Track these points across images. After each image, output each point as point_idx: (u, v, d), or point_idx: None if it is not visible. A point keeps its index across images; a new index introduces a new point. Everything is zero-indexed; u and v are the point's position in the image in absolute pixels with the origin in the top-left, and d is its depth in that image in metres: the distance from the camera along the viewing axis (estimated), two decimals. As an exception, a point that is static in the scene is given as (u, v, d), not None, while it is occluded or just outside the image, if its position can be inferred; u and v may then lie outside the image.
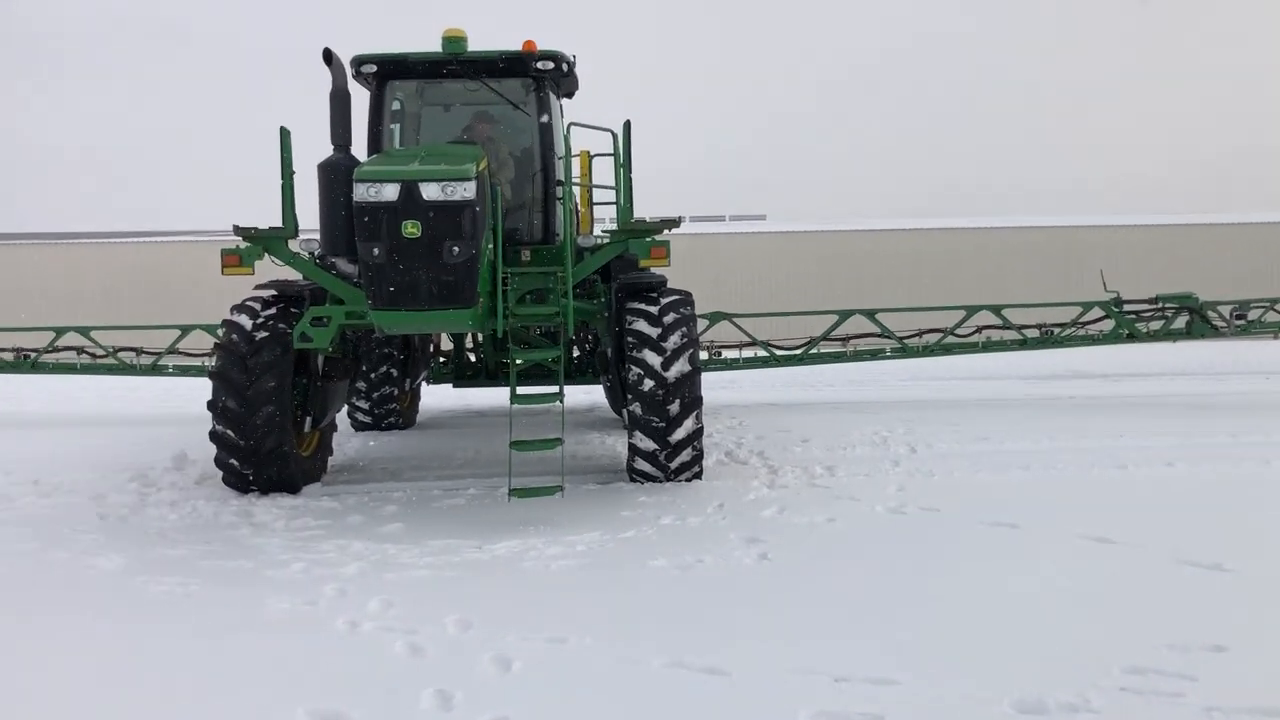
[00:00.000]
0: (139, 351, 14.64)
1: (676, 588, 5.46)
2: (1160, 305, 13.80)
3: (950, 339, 14.18)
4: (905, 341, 14.14)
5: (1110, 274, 15.22)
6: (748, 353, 14.56)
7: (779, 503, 7.41)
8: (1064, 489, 7.84)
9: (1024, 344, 14.29)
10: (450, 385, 12.33)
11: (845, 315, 14.08)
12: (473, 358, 12.21)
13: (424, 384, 12.85)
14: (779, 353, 14.25)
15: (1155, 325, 13.93)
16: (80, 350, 14.68)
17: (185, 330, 14.52)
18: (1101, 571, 5.63)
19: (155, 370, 14.61)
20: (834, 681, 4.09)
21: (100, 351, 14.60)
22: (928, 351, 14.24)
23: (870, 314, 14.06)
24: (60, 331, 14.54)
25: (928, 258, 27.31)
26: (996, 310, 14.12)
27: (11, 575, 5.93)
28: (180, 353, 14.70)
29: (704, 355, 13.96)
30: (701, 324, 13.81)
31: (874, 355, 14.43)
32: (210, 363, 13.63)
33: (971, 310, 14.16)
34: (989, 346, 14.38)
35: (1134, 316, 13.82)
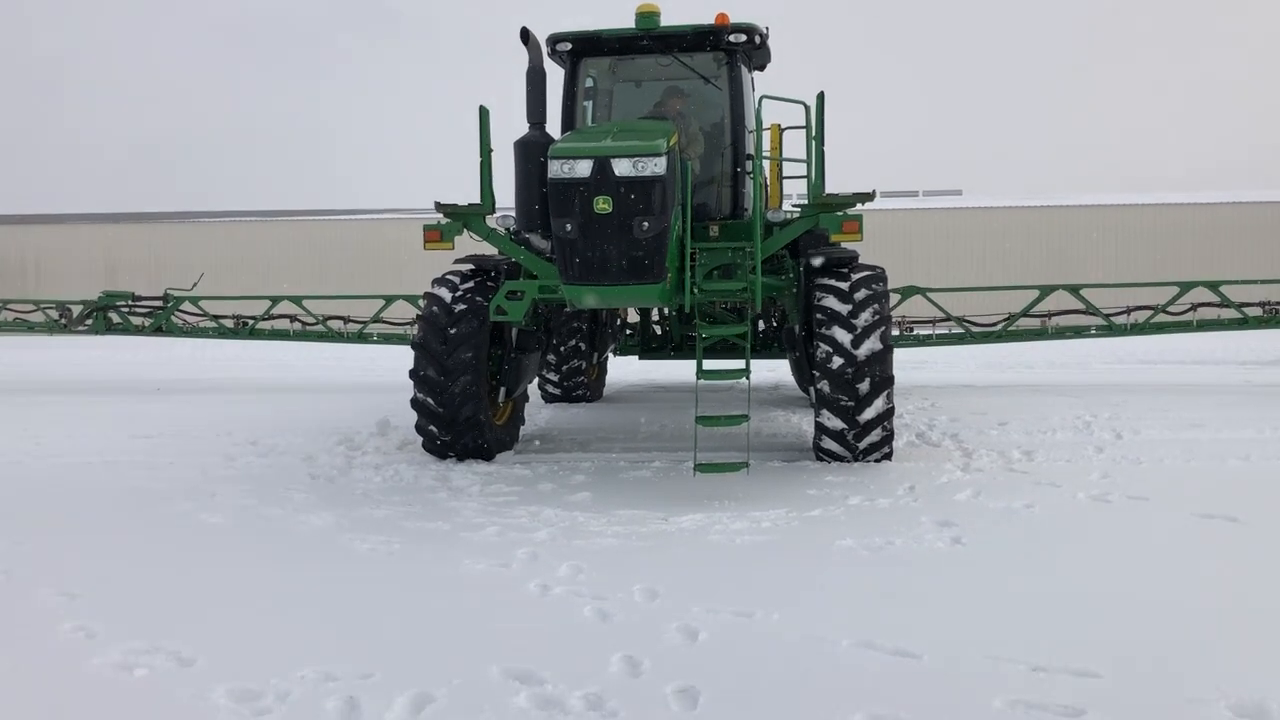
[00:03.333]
0: (346, 320, 15.53)
1: (865, 568, 5.36)
2: None
3: (1162, 317, 13.31)
4: (1112, 319, 13.37)
5: None
6: (941, 329, 14.11)
7: (973, 486, 7.16)
8: (1290, 482, 7.26)
9: (1244, 323, 13.28)
10: (636, 357, 12.46)
11: (1047, 291, 13.39)
12: (659, 330, 12.31)
13: (611, 356, 13.04)
14: (974, 329, 13.73)
15: None
16: (293, 319, 15.67)
17: (389, 300, 15.28)
18: (1334, 572, 5.18)
19: (361, 338, 15.47)
20: (1030, 670, 3.91)
21: (311, 320, 15.54)
22: (1136, 330, 13.41)
23: (1074, 289, 13.35)
24: (275, 300, 15.55)
25: (1137, 234, 25.77)
26: (1213, 286, 13.15)
27: (233, 528, 6.37)
28: (384, 321, 15.49)
29: (895, 331, 13.62)
30: (893, 298, 13.51)
31: (1077, 333, 13.70)
32: (412, 330, 14.32)
33: (1185, 286, 13.25)
34: (1204, 325, 13.44)
35: None
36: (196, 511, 6.73)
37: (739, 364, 7.94)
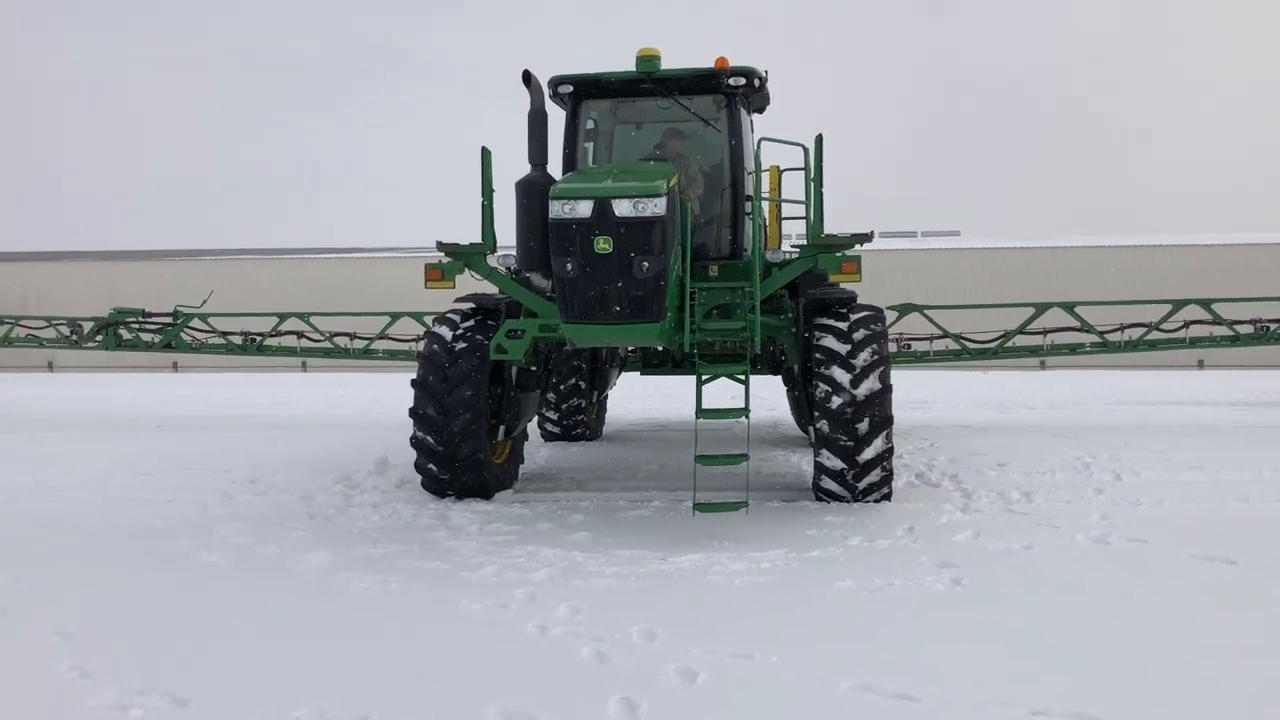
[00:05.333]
0: (352, 336, 15.61)
1: (865, 609, 5.34)
2: None
3: (1155, 334, 13.40)
4: (1106, 336, 13.44)
5: None
6: (938, 346, 14.16)
7: (973, 527, 7.15)
8: (1289, 524, 7.25)
9: (1236, 340, 13.39)
10: (638, 373, 12.40)
11: (1043, 308, 13.47)
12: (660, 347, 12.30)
13: (612, 386, 13.04)
14: (971, 346, 13.78)
15: None
16: (300, 335, 15.75)
17: (395, 317, 15.36)
18: (1334, 615, 5.17)
19: (367, 354, 15.57)
20: (1031, 714, 3.89)
21: (318, 337, 15.62)
22: (1130, 347, 13.52)
23: (1069, 307, 13.42)
24: (283, 317, 15.64)
25: (1138, 274, 25.85)
26: (1206, 305, 13.24)
27: (230, 566, 6.35)
28: (390, 338, 15.58)
29: (893, 347, 13.67)
30: (890, 315, 13.58)
31: (1072, 350, 13.78)
32: (417, 347, 14.41)
33: (1178, 305, 13.34)
34: (1197, 342, 13.57)
35: None
36: (194, 550, 6.72)
37: (738, 405, 7.97)
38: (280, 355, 16.03)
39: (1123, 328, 13.57)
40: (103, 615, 5.32)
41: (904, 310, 13.33)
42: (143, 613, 5.38)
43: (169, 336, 15.68)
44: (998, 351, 13.75)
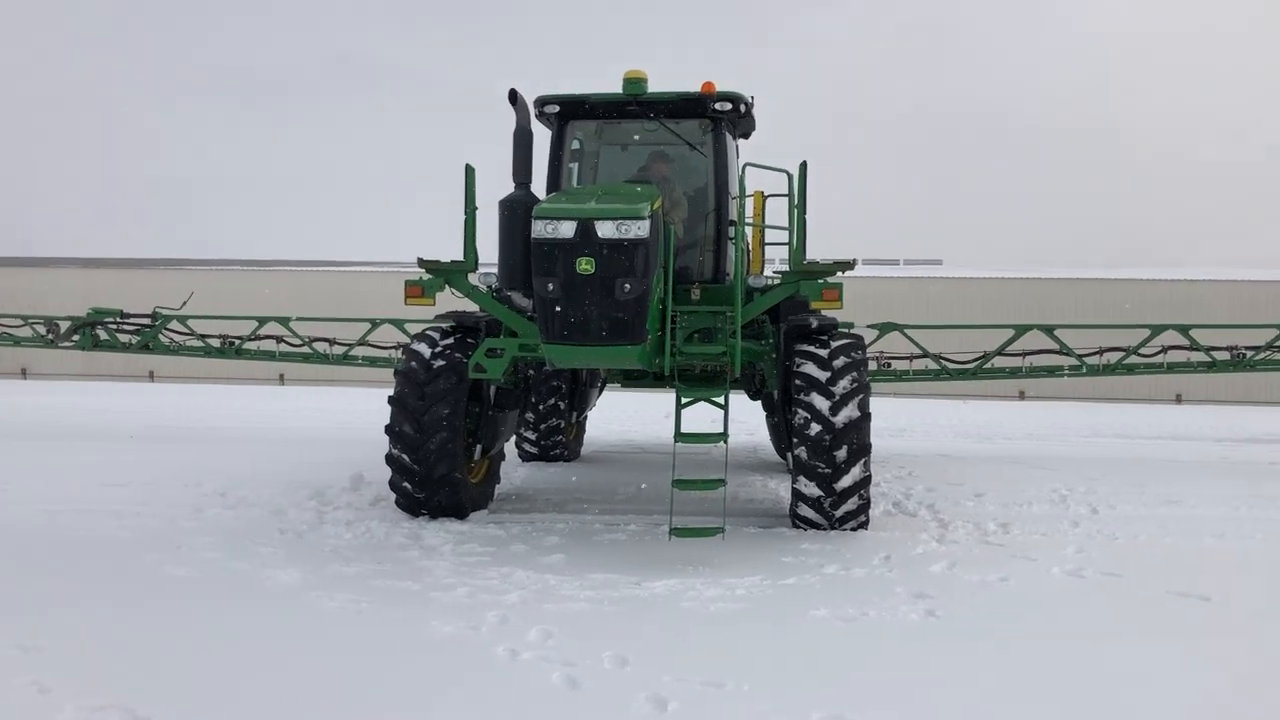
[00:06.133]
0: (332, 342, 15.48)
1: (839, 639, 5.31)
2: None
3: (1133, 358, 13.52)
4: (1085, 359, 13.55)
5: None
6: (918, 365, 14.21)
7: (949, 558, 7.13)
8: (1262, 562, 7.27)
9: (1212, 366, 13.54)
10: (619, 384, 12.34)
11: (1022, 330, 13.56)
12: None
13: (596, 393, 12.98)
14: (951, 366, 13.83)
15: None
16: (279, 339, 15.61)
17: (375, 324, 15.24)
18: (1307, 655, 5.17)
19: (346, 360, 15.42)
20: (1004, 751, 3.87)
21: (297, 341, 15.49)
22: (1109, 370, 13.64)
23: (1048, 329, 13.51)
24: (262, 321, 15.49)
25: (1120, 309, 26.00)
26: (1184, 331, 13.37)
27: (198, 581, 6.26)
28: (370, 345, 15.45)
29: (873, 366, 13.70)
30: (871, 334, 13.63)
31: (1051, 372, 13.88)
32: (397, 354, 14.32)
33: (1156, 330, 13.46)
34: (1174, 368, 13.70)
35: None
36: (162, 564, 6.62)
37: (717, 430, 7.94)
38: (259, 359, 15.86)
39: (1101, 351, 13.67)
40: (65, 630, 5.22)
41: (884, 329, 13.40)
42: (106, 628, 5.29)
43: (147, 338, 15.52)
44: (976, 372, 13.81)
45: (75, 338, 15.76)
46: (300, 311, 16.05)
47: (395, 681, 4.54)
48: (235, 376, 26.45)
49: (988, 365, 13.77)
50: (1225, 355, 13.56)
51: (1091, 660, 5.01)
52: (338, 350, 15.54)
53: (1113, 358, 13.67)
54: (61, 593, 5.95)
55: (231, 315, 16.58)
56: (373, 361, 15.40)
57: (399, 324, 14.57)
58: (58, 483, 9.83)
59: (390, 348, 15.32)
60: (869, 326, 13.23)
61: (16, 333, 16.73)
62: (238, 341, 15.56)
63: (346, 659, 4.84)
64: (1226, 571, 6.89)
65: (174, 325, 15.60)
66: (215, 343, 15.64)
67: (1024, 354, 13.76)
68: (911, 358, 14.17)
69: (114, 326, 15.74)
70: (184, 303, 16.03)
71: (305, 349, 15.51)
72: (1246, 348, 13.60)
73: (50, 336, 15.99)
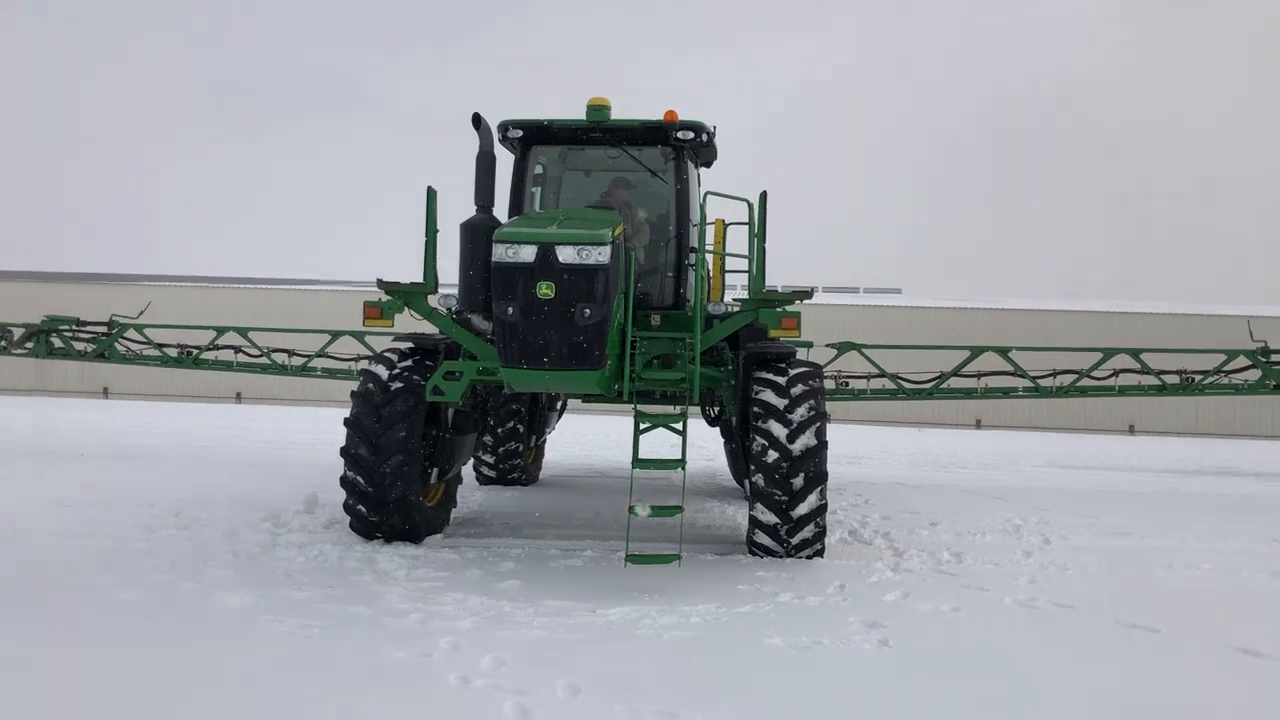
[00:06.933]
0: (290, 353, 15.33)
1: (792, 668, 5.31)
2: None
3: (1085, 381, 13.77)
4: (1039, 381, 13.78)
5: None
6: (875, 385, 14.38)
7: (903, 587, 7.18)
8: (1209, 593, 7.38)
9: (1162, 389, 13.84)
10: (581, 399, 12.33)
11: (977, 351, 13.78)
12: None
13: (555, 417, 12.95)
14: (907, 386, 14.00)
15: None
16: (238, 350, 15.44)
17: (335, 335, 15.12)
18: (1252, 688, 5.25)
19: (305, 371, 15.29)
20: (953, 783, 3.89)
21: (256, 352, 15.33)
22: (1061, 392, 13.92)
23: (1003, 351, 13.73)
24: (221, 331, 15.36)
25: (1077, 339, 26.38)
26: (1135, 354, 13.64)
27: (146, 604, 6.15)
28: (329, 356, 15.32)
29: (830, 385, 13.82)
30: (829, 354, 13.74)
31: (1005, 393, 14.11)
32: (357, 367, 14.21)
33: (1109, 353, 13.76)
34: (1126, 391, 14.01)
35: None
36: (110, 586, 6.50)
37: (675, 458, 7.96)
38: (217, 369, 15.71)
39: (1055, 374, 13.91)
40: (8, 653, 5.11)
41: (842, 349, 13.54)
42: (50, 652, 5.18)
43: (103, 346, 15.31)
44: (933, 392, 14.00)
45: (29, 345, 15.52)
46: (260, 325, 15.89)
47: (344, 710, 4.49)
48: (191, 394, 26.15)
49: (943, 386, 13.95)
50: (1175, 379, 13.84)
51: (1043, 689, 5.05)
52: (296, 361, 15.43)
53: (1066, 380, 13.94)
54: (4, 616, 5.82)
55: (189, 325, 16.43)
56: (331, 374, 15.31)
57: (359, 336, 14.51)
58: (4, 500, 9.65)
59: (350, 359, 15.24)
60: (827, 345, 13.36)
61: None
62: (196, 351, 15.42)
63: (294, 686, 4.78)
64: (1175, 603, 6.99)
65: (131, 335, 15.41)
66: (173, 352, 15.49)
67: (979, 374, 13.98)
68: (869, 377, 14.34)
69: (69, 334, 15.53)
70: (141, 312, 15.88)
71: (264, 359, 15.38)
72: (1195, 372, 13.89)
73: (2, 343, 15.74)
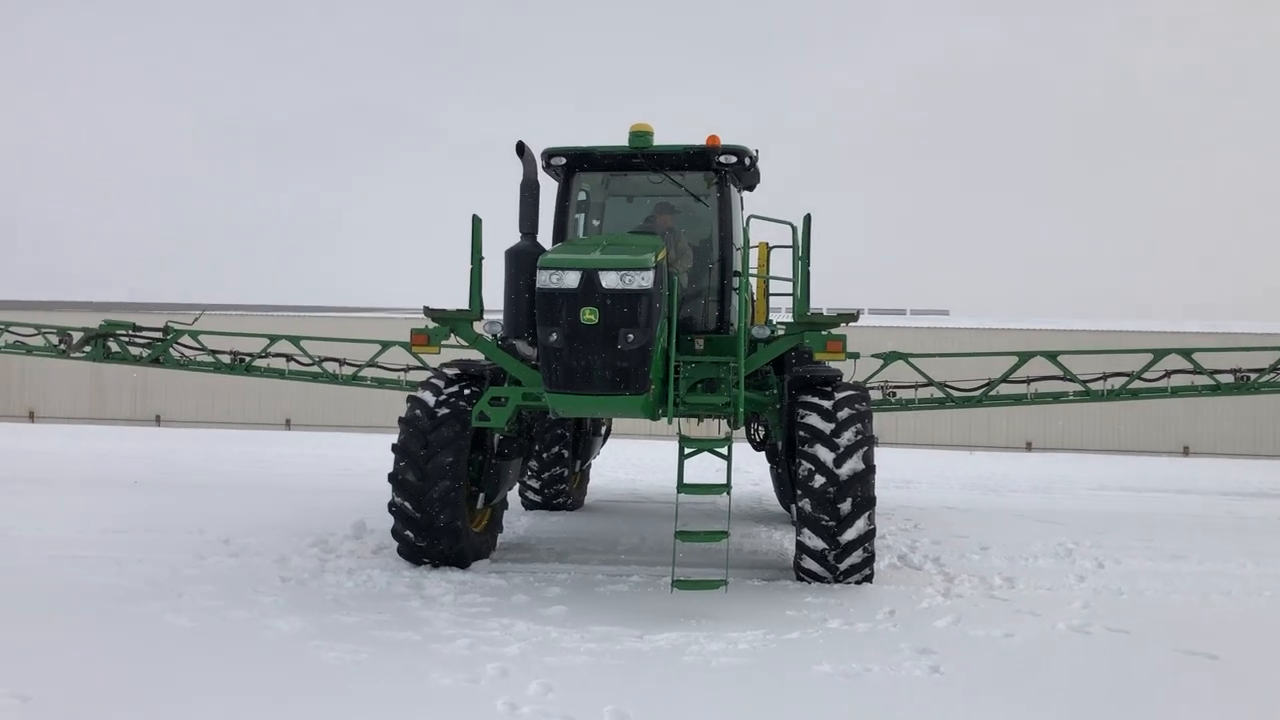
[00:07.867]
0: (342, 363, 15.51)
1: (841, 696, 5.25)
2: None
3: (1137, 383, 13.53)
4: (1089, 385, 13.56)
5: None
6: (923, 394, 14.24)
7: (954, 613, 7.07)
8: (1271, 619, 7.20)
9: (1216, 389, 13.53)
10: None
11: (1025, 357, 13.59)
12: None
13: (600, 442, 12.98)
14: (955, 394, 13.85)
15: None
16: (289, 358, 15.64)
17: (385, 345, 15.26)
18: (1317, 716, 5.10)
19: (355, 380, 15.46)
20: (1008, 814, 3.81)
21: (307, 360, 15.51)
22: (1112, 395, 13.68)
23: (1052, 356, 13.53)
24: (274, 339, 15.54)
25: (1125, 360, 25.97)
26: (1187, 354, 13.39)
27: (198, 630, 6.22)
28: (379, 366, 15.47)
29: (877, 396, 13.70)
30: (875, 364, 13.63)
31: (1056, 398, 13.90)
32: (406, 376, 14.34)
33: (1159, 354, 13.48)
34: (1178, 392, 13.71)
35: None
36: (162, 612, 6.59)
37: (722, 478, 7.92)
38: (268, 377, 15.92)
39: (1105, 376, 13.68)
40: (62, 678, 5.19)
41: (889, 359, 13.42)
42: (104, 677, 5.26)
43: (158, 351, 15.59)
44: (982, 399, 13.83)
45: (87, 348, 15.86)
46: (309, 345, 16.02)
47: (393, 735, 4.50)
48: (240, 421, 26.48)
49: (992, 393, 13.79)
50: (1229, 378, 13.58)
51: (1099, 718, 4.94)
52: (347, 371, 15.60)
53: (1116, 383, 13.70)
54: (59, 641, 5.91)
55: (243, 333, 16.66)
56: (381, 383, 15.48)
57: (408, 346, 14.64)
58: (58, 528, 9.81)
59: (400, 369, 15.39)
60: (873, 356, 13.27)
61: (30, 341, 16.82)
62: (248, 358, 15.65)
63: (344, 712, 4.80)
64: (1234, 630, 6.82)
65: (185, 340, 15.68)
66: (225, 358, 15.73)
67: (1028, 380, 13.78)
68: (916, 386, 14.20)
69: (126, 339, 15.84)
70: (196, 318, 16.17)
71: (315, 368, 15.57)
72: (1250, 370, 13.62)
73: (62, 346, 16.09)
